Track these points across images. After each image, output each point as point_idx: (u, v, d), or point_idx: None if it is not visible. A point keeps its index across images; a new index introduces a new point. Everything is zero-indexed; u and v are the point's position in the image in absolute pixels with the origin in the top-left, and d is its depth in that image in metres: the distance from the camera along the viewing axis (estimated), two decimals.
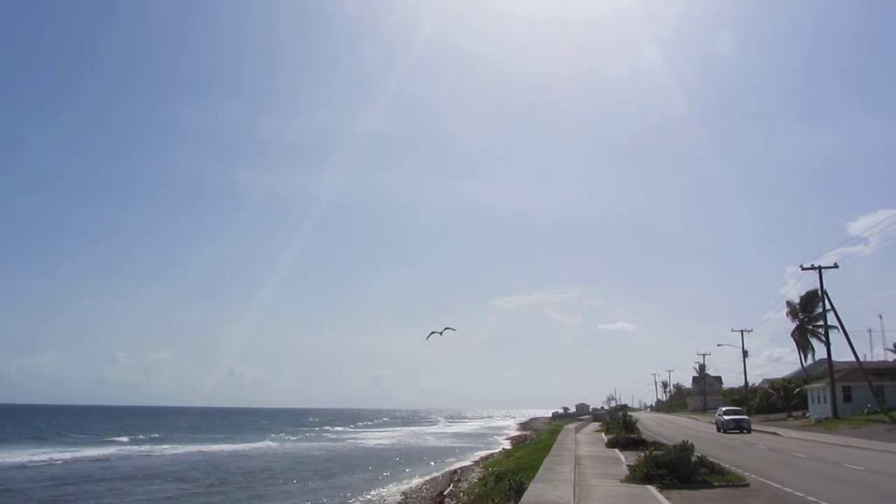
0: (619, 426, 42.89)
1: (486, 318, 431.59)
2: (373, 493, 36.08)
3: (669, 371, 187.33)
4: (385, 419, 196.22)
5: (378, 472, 47.72)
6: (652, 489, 15.88)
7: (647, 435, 39.00)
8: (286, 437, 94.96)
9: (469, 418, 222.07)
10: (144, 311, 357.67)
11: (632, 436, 34.51)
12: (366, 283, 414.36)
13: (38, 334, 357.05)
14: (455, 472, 43.86)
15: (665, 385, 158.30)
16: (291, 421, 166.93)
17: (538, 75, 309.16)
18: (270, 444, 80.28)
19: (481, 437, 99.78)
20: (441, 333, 35.19)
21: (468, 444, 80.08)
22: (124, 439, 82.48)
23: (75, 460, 55.91)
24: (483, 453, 62.02)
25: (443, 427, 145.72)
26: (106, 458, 58.18)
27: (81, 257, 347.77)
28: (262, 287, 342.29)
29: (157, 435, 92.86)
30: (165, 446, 72.23)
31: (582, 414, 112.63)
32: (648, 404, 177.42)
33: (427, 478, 42.72)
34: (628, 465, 20.91)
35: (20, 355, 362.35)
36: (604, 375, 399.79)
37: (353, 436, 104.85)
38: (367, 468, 50.15)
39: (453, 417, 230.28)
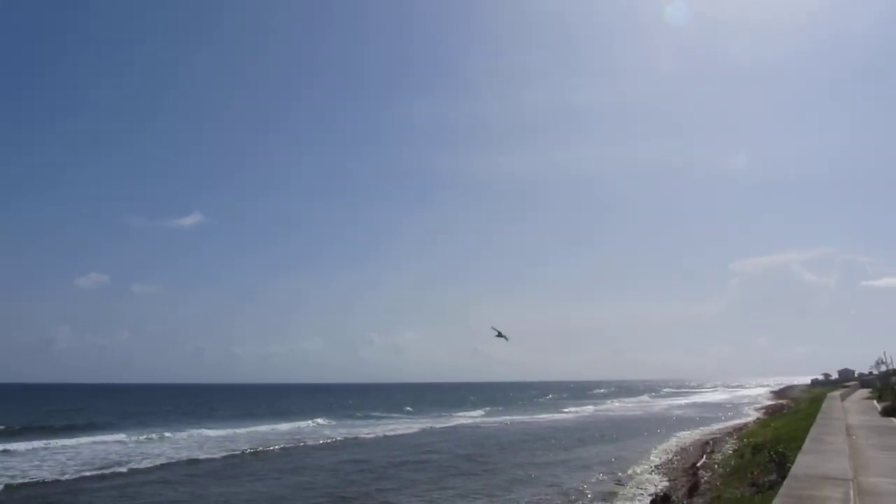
0: (894, 392, 38.94)
1: (727, 283, 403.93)
2: (624, 465, 36.80)
3: None
4: (602, 390, 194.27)
5: (624, 442, 48.23)
6: None
7: None
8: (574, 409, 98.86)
9: (716, 387, 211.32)
10: (391, 295, 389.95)
11: None
12: (593, 255, 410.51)
13: (303, 322, 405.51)
14: (707, 443, 42.64)
15: None
16: (555, 392, 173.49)
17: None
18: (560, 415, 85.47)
19: (732, 407, 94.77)
20: (500, 334, 33.95)
21: (716, 414, 77.05)
22: (479, 412, 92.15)
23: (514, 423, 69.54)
24: (736, 422, 59.53)
25: (689, 397, 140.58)
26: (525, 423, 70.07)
27: (330, 248, 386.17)
28: (500, 270, 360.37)
29: (500, 407, 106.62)
30: (514, 417, 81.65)
31: (846, 380, 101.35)
32: None
33: (676, 448, 42.32)
34: None
35: (294, 340, 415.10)
36: (870, 338, 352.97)
37: (597, 406, 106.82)
38: (615, 438, 50.86)
39: (699, 387, 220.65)
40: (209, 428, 60.79)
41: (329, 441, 50.03)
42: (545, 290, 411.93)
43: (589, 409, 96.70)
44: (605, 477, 31.27)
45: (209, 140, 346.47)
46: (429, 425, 66.08)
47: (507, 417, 79.54)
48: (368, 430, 60.68)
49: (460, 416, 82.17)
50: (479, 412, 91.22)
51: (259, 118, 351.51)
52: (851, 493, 10.42)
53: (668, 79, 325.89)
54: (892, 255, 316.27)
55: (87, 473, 33.13)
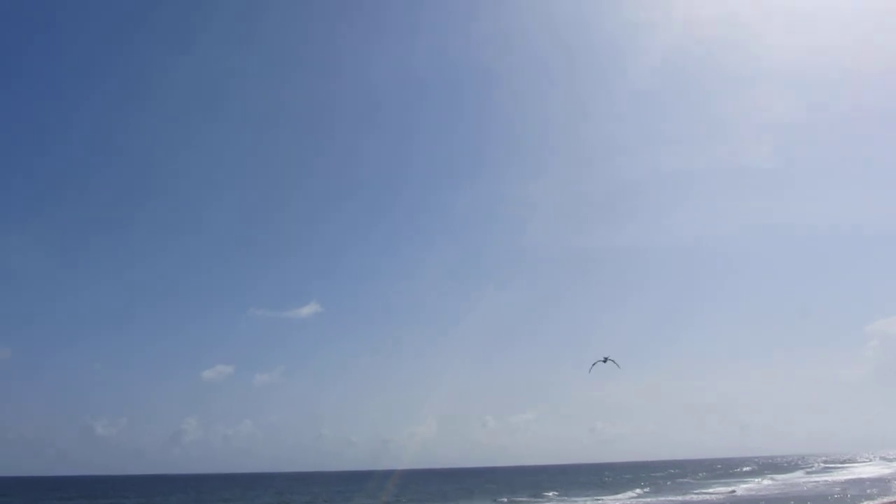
0: None
1: (863, 346, 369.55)
2: None
3: None
4: (748, 468, 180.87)
5: None
6: None
7: None
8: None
9: (853, 462, 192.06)
10: (507, 374, 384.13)
11: None
12: (708, 325, 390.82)
13: (422, 405, 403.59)
14: None
15: None
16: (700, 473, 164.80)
17: None
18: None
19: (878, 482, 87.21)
20: (605, 361, 32.53)
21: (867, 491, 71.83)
22: (630, 493, 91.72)
23: None
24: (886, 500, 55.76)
25: (848, 472, 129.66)
26: None
27: (444, 334, 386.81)
28: (612, 345, 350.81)
29: (647, 489, 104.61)
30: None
31: None
32: None
33: None
34: None
35: (409, 425, 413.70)
36: None
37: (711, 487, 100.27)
38: None
39: (849, 461, 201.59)
40: None
41: None
42: (660, 365, 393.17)
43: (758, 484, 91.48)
44: None
45: (324, 232, 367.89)
46: None
47: (666, 498, 76.48)
48: None
49: (612, 500, 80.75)
50: (631, 494, 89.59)
51: (366, 206, 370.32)
52: None
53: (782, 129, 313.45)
54: None
55: None
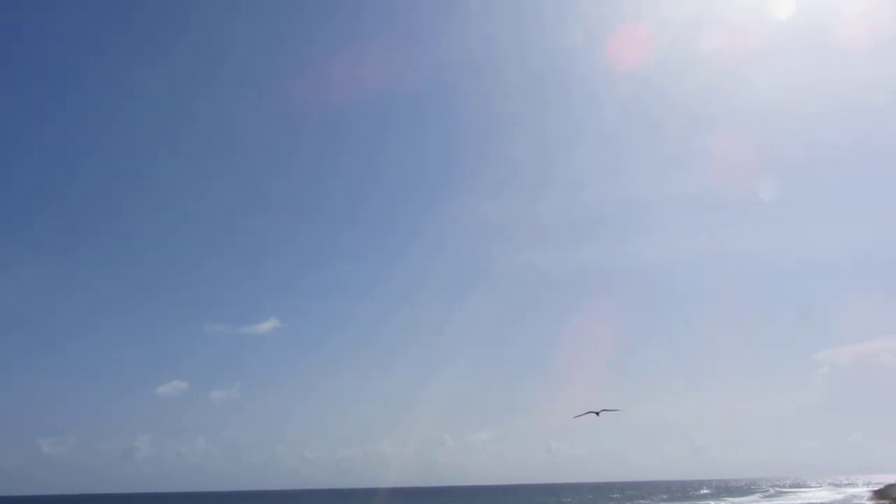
0: None
1: (812, 374, 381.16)
2: None
3: None
4: (706, 490, 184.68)
5: None
6: None
7: None
8: None
9: (804, 487, 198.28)
10: (465, 393, 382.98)
11: None
12: (666, 348, 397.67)
13: (380, 424, 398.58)
14: None
15: None
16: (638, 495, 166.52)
17: None
18: None
19: None
20: (598, 414, 32.65)
21: None
22: None
23: None
24: None
25: (774, 499, 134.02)
26: None
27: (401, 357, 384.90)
28: (570, 365, 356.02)
29: None
30: None
31: None
32: None
33: None
34: None
35: (366, 443, 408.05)
36: None
37: None
38: None
39: (785, 487, 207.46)
40: None
41: None
42: (618, 386, 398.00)
43: None
44: None
45: (286, 246, 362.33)
46: None
47: None
48: None
49: None
50: None
51: (328, 226, 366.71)
52: None
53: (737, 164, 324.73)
54: None
55: None
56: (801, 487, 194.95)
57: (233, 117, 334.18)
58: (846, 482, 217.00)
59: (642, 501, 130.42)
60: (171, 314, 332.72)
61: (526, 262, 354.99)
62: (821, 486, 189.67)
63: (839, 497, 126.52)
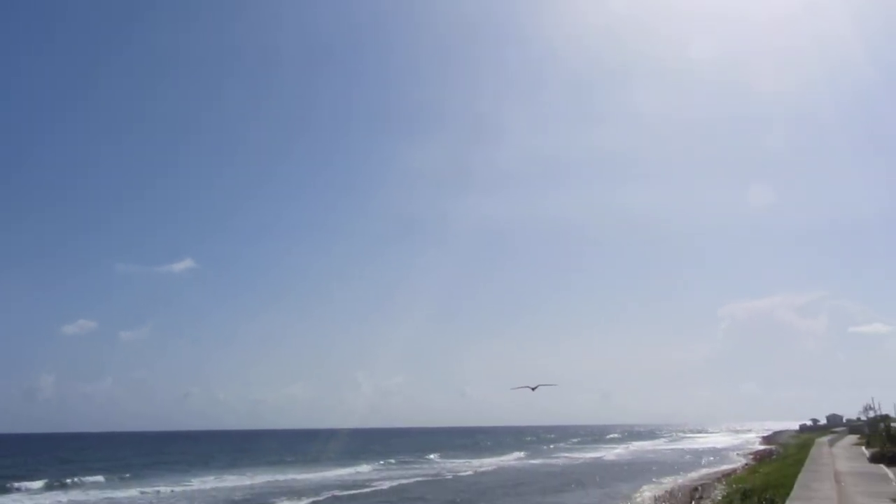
0: (883, 439, 39.51)
1: (715, 327, 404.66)
2: None
3: None
4: (615, 435, 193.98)
5: (612, 486, 49.38)
6: None
7: None
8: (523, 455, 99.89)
9: (704, 433, 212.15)
10: (379, 338, 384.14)
11: None
12: (576, 299, 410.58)
13: (295, 367, 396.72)
14: (696, 488, 42.38)
15: None
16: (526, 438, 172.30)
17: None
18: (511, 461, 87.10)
19: (720, 451, 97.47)
20: (534, 389, 33.36)
21: (705, 459, 79.32)
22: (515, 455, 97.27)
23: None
24: (724, 468, 60.93)
25: (675, 442, 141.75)
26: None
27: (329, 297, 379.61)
28: (484, 314, 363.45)
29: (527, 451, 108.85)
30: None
31: (835, 426, 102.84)
32: None
33: (663, 492, 42.87)
34: None
35: (281, 386, 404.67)
36: (858, 384, 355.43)
37: (582, 452, 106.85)
38: (599, 484, 52.18)
39: (686, 432, 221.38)
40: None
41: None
42: (529, 334, 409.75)
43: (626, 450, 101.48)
44: None
45: (207, 187, 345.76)
46: (479, 465, 71.06)
47: (545, 460, 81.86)
48: (432, 472, 64.30)
49: (499, 461, 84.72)
50: (518, 455, 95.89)
51: (254, 169, 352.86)
52: None
53: (652, 126, 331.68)
54: (880, 301, 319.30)
55: None
56: (701, 433, 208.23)
57: (165, 50, 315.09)
58: (742, 429, 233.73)
59: (556, 444, 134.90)
60: (81, 254, 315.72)
61: (442, 210, 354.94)
62: (720, 432, 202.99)
63: (736, 441, 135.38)
